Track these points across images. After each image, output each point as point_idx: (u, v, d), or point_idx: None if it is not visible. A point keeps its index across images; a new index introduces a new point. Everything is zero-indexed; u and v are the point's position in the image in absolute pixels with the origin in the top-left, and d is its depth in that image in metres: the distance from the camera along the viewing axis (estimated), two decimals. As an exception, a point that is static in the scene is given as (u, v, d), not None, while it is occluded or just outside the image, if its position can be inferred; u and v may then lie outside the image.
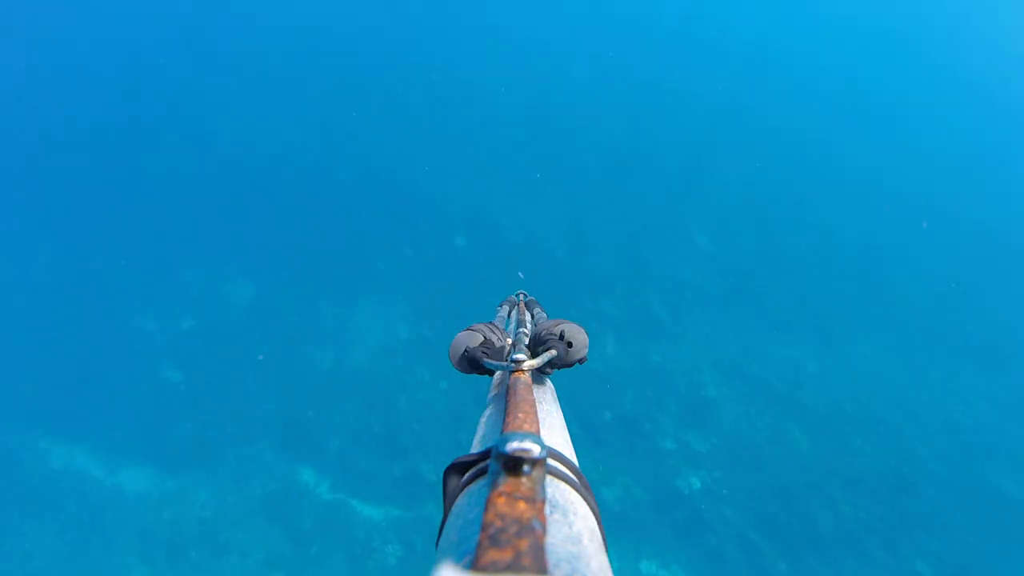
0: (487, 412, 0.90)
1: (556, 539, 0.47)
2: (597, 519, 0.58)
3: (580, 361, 1.01)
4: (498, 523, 0.38)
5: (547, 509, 0.52)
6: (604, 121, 17.32)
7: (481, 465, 0.64)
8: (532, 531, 0.37)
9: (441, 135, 15.44)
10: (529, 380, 0.83)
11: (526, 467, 0.42)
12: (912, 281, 13.32)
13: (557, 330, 1.02)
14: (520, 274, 12.54)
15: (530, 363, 0.90)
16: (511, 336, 1.19)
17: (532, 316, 1.67)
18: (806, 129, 20.21)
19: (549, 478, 0.59)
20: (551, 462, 0.64)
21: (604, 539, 0.56)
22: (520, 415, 0.66)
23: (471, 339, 1.03)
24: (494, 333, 1.08)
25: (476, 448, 0.77)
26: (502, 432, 0.64)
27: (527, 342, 1.07)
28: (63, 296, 10.18)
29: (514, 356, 0.90)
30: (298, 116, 15.78)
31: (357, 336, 9.43)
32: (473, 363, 1.00)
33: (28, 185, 13.14)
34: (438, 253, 10.97)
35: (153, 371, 8.97)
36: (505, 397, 0.78)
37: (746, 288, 11.30)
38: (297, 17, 21.97)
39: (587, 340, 1.03)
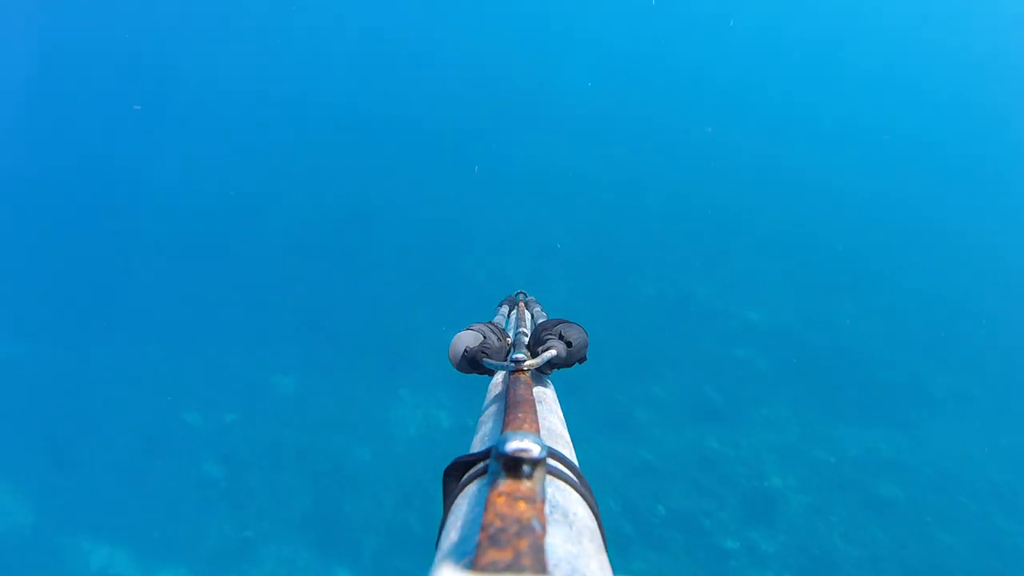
0: (487, 412, 0.90)
1: (556, 539, 0.47)
2: (597, 519, 0.58)
3: (580, 361, 1.01)
4: (498, 523, 0.38)
5: (547, 509, 0.51)
6: (640, 192, 17.37)
7: (481, 465, 0.64)
8: (532, 531, 0.37)
9: (478, 213, 15.66)
10: (529, 380, 0.83)
11: (526, 467, 0.42)
12: (998, 348, 12.13)
13: (556, 330, 1.02)
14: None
15: (530, 363, 0.91)
16: (511, 336, 1.19)
17: (532, 316, 1.67)
18: (855, 187, 19.74)
19: (549, 478, 0.59)
20: (551, 462, 0.64)
21: (604, 539, 0.55)
22: (520, 415, 0.66)
23: (471, 339, 1.04)
24: (494, 333, 1.08)
25: (476, 448, 0.77)
26: (502, 432, 0.64)
27: (527, 342, 1.08)
28: (109, 391, 10.53)
29: (514, 356, 0.91)
30: (334, 203, 16.12)
31: (397, 426, 9.33)
32: (473, 363, 1.00)
33: (68, 281, 13.54)
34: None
35: (196, 467, 9.05)
36: (505, 397, 0.78)
37: (805, 365, 10.65)
38: (334, 107, 22.57)
39: (587, 340, 1.02)
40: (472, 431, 0.83)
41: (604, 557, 0.50)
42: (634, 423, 9.18)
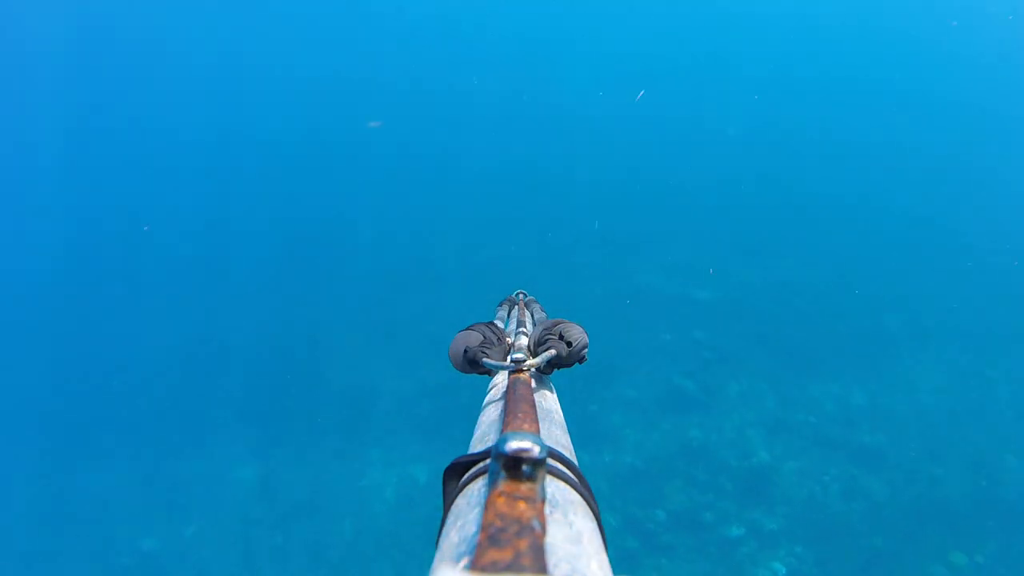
0: (487, 412, 0.90)
1: (556, 539, 0.47)
2: (597, 519, 0.59)
3: (580, 360, 1.03)
4: (498, 523, 0.38)
5: (547, 509, 0.52)
6: (572, 191, 17.09)
7: (481, 465, 0.64)
8: (532, 531, 0.38)
9: (432, 252, 14.99)
10: (529, 380, 0.85)
11: (526, 467, 0.43)
12: (943, 277, 12.31)
13: (557, 330, 1.03)
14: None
15: (530, 363, 0.93)
16: (511, 336, 1.21)
17: (532, 316, 1.68)
18: (770, 137, 19.64)
19: (549, 478, 0.59)
20: (551, 462, 0.64)
21: (604, 539, 0.56)
22: (520, 415, 0.67)
23: (471, 339, 1.05)
24: (494, 333, 1.09)
25: (475, 448, 0.77)
26: (502, 432, 0.66)
27: (527, 342, 1.09)
28: (45, 531, 9.32)
29: (514, 356, 0.93)
30: (279, 257, 15.44)
31: (374, 492, 8.75)
32: (473, 363, 1.02)
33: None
34: (439, 381, 10.12)
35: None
36: (505, 397, 0.80)
37: (763, 331, 10.58)
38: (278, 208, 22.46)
39: (587, 340, 1.04)
40: None
41: (604, 557, 0.50)
42: (612, 429, 9.11)
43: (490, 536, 0.36)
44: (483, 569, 0.33)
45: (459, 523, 0.54)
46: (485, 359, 0.99)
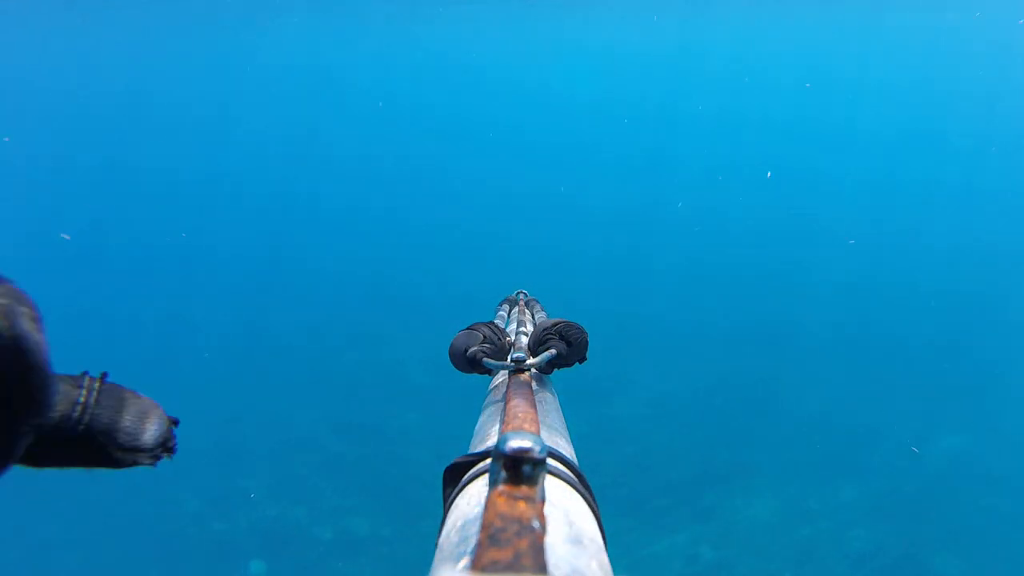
0: (487, 412, 0.90)
1: (556, 539, 0.47)
2: (597, 519, 0.58)
3: (580, 360, 1.03)
4: (498, 523, 0.38)
5: (547, 509, 0.52)
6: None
7: (481, 465, 0.64)
8: (532, 531, 0.37)
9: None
10: (529, 380, 0.85)
11: (526, 467, 0.42)
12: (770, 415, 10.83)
13: (556, 329, 1.03)
14: None
15: (531, 362, 0.93)
16: (511, 336, 1.20)
17: (532, 316, 1.68)
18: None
19: (549, 478, 0.59)
20: (551, 462, 0.64)
21: (604, 539, 0.56)
22: (520, 415, 0.67)
23: (471, 338, 1.05)
24: (494, 332, 1.09)
25: (475, 448, 0.77)
26: (502, 432, 0.65)
27: (527, 342, 1.09)
28: None
29: (514, 356, 0.93)
30: None
31: None
32: (473, 362, 1.01)
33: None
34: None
35: None
36: (505, 397, 0.79)
37: (601, 483, 9.43)
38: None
39: (587, 339, 1.04)
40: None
41: (604, 557, 0.50)
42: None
43: (490, 536, 0.36)
44: (483, 569, 0.33)
45: (459, 523, 0.54)
46: (486, 359, 0.99)
